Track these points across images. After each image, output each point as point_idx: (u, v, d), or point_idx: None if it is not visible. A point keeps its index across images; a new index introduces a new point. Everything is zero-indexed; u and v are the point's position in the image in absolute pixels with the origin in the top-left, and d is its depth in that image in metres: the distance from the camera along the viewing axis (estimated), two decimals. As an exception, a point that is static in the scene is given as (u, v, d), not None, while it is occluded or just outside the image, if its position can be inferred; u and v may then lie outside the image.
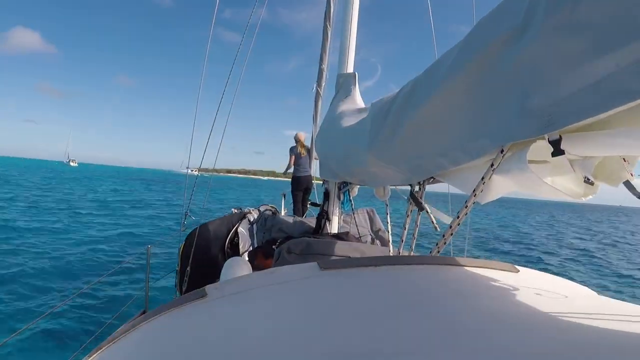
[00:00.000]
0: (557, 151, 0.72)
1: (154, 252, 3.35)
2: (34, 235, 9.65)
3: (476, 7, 3.55)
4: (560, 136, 0.72)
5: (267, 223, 3.34)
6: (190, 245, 3.26)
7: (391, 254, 2.00)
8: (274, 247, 2.42)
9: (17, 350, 3.57)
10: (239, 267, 2.32)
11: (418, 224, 1.42)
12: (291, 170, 6.16)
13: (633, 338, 0.63)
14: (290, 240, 2.15)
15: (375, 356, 0.55)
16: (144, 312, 3.11)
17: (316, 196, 5.46)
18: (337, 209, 3.01)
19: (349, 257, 1.95)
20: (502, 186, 0.97)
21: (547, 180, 0.85)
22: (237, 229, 3.81)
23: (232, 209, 4.15)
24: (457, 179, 1.16)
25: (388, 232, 2.19)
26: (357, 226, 3.04)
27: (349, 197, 2.90)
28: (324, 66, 4.09)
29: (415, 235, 1.45)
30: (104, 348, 0.88)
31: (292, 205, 5.85)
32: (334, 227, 2.98)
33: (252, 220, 3.91)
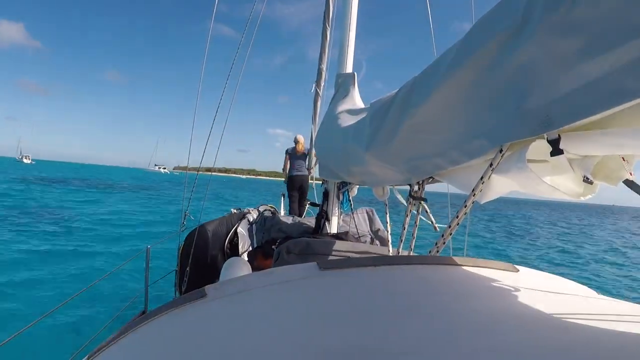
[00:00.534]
0: (556, 151, 0.73)
1: (154, 253, 3.35)
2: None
3: (475, 7, 3.55)
4: (559, 136, 0.72)
5: (266, 223, 3.35)
6: (189, 245, 3.26)
7: (390, 254, 2.00)
8: (273, 247, 2.42)
9: (16, 351, 3.57)
10: (238, 267, 2.32)
11: (417, 223, 1.43)
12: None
13: (633, 338, 0.63)
14: (290, 240, 2.15)
15: (375, 356, 0.55)
16: (143, 313, 3.10)
17: (315, 196, 5.47)
18: (337, 209, 3.01)
19: (349, 257, 1.95)
20: (501, 186, 0.98)
21: (546, 179, 0.85)
22: (236, 229, 3.82)
23: (232, 209, 4.16)
24: (456, 179, 1.16)
25: (387, 232, 2.19)
26: (356, 226, 3.04)
27: (349, 197, 2.91)
28: (323, 66, 4.07)
29: (415, 235, 1.45)
30: (104, 349, 0.87)
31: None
32: (333, 227, 2.98)
33: (251, 220, 3.92)
